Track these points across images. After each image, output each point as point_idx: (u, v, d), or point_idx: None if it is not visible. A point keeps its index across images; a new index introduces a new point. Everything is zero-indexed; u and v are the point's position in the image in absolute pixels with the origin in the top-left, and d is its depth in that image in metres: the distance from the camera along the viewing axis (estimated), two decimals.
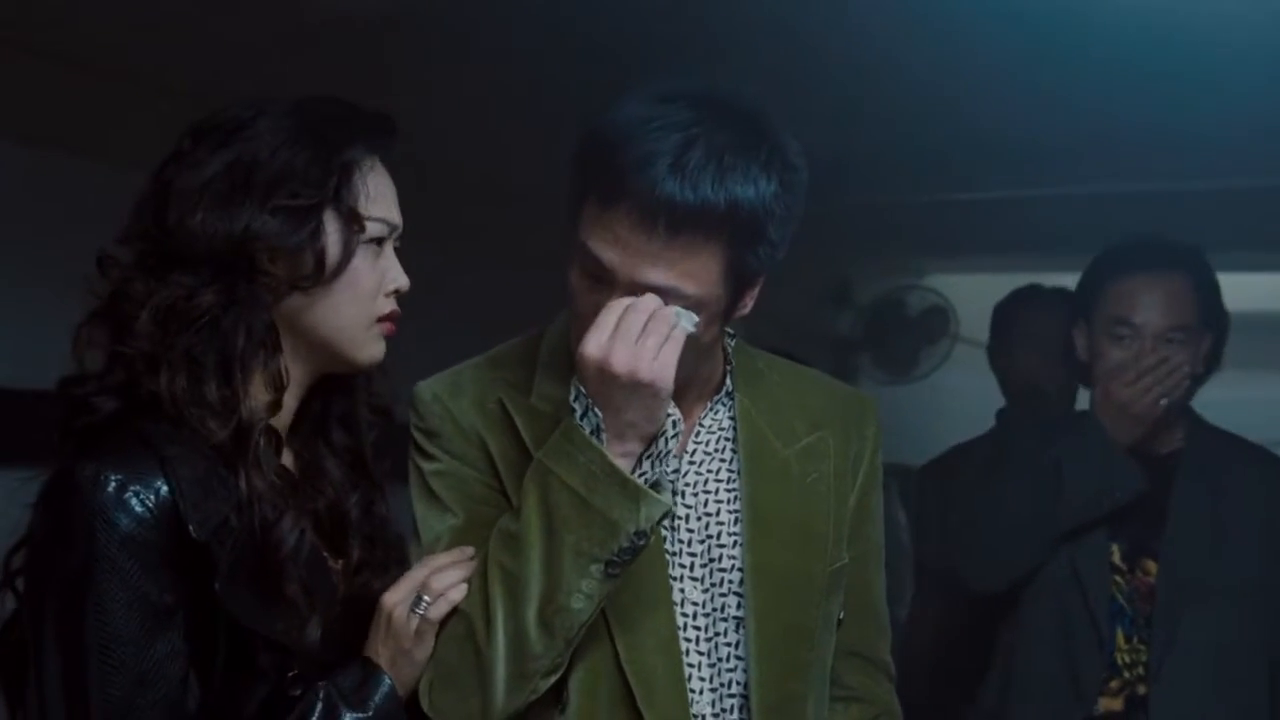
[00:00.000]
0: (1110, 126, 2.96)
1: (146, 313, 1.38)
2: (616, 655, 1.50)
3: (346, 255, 1.44)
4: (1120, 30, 2.36)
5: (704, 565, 1.55)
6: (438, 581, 1.47)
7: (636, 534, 1.43)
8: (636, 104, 1.43)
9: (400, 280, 1.50)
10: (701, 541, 1.56)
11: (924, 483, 3.20)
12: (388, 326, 1.51)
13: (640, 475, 1.44)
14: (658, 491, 1.45)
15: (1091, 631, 2.33)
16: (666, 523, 1.52)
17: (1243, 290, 2.73)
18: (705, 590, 1.55)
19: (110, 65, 2.73)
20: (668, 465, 1.48)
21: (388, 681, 1.45)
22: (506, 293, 2.75)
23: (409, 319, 1.54)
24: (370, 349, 1.50)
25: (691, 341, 1.44)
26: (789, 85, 2.26)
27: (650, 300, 1.41)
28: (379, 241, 1.48)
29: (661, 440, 1.45)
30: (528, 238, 3.39)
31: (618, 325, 1.40)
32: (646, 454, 1.45)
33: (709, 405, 1.60)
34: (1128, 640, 2.34)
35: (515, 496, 1.50)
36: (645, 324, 1.40)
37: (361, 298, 1.47)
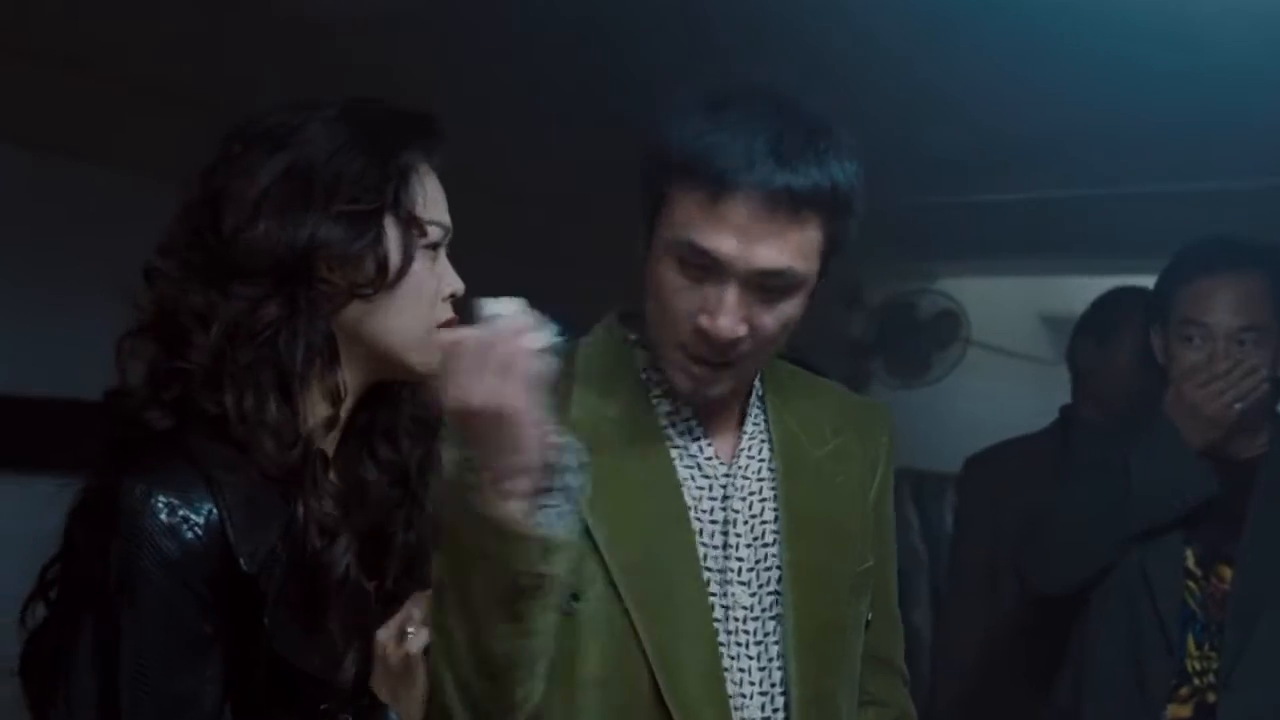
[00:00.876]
0: (1126, 128, 2.93)
1: (217, 327, 1.33)
2: (655, 686, 1.46)
3: (406, 260, 1.40)
4: (1140, 30, 2.34)
5: (750, 569, 1.55)
6: (422, 611, 1.41)
7: (533, 574, 1.32)
8: (702, 112, 1.46)
9: (456, 284, 1.46)
10: (749, 545, 1.56)
11: (970, 477, 3.14)
12: None
13: (548, 508, 1.32)
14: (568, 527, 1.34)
15: (1160, 637, 2.28)
16: (716, 538, 1.52)
17: None
18: (753, 594, 1.55)
19: (110, 68, 2.73)
20: (576, 494, 1.36)
21: (392, 717, 1.41)
22: (503, 291, 2.73)
23: None
24: (430, 357, 1.43)
25: (783, 326, 1.48)
26: (794, 88, 2.24)
27: (497, 329, 1.29)
28: (434, 246, 1.44)
29: (556, 475, 1.33)
30: (527, 237, 3.40)
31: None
32: (552, 486, 1.33)
33: (748, 409, 1.60)
34: (1199, 647, 2.28)
35: None
36: (487, 353, 1.28)
37: (422, 303, 1.43)
